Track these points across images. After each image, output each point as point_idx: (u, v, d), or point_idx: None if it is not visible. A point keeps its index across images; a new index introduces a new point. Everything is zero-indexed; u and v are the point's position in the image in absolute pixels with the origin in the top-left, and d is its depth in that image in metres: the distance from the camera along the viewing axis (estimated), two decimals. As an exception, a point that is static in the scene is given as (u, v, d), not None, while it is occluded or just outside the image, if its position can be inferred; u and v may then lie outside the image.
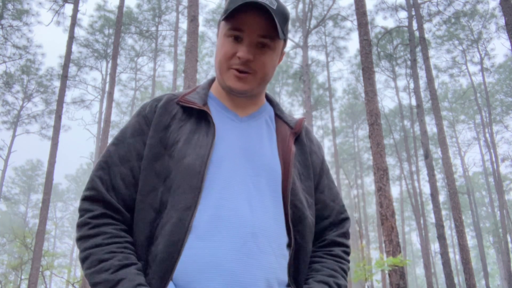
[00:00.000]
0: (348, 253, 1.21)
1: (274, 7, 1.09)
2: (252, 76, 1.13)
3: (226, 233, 0.99)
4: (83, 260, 1.00)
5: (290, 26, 1.22)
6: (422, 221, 20.99)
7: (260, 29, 1.09)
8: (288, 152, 1.15)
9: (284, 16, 1.12)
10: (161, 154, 1.09)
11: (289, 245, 1.10)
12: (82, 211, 1.06)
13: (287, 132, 1.20)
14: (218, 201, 1.03)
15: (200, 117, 1.14)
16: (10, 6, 20.29)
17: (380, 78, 27.34)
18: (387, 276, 10.56)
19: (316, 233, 1.20)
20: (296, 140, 1.22)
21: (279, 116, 1.26)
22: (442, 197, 31.55)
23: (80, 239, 1.03)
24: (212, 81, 1.27)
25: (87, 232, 1.02)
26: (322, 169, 1.27)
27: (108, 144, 1.16)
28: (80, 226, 1.04)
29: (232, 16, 1.09)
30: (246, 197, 1.05)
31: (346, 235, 1.23)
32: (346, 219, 1.25)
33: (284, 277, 1.07)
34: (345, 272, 1.16)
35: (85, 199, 1.08)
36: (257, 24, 1.09)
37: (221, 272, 0.96)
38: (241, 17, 1.08)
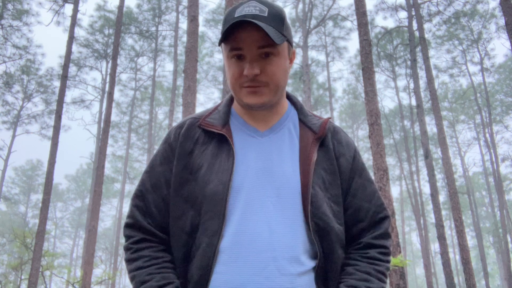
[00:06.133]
0: (386, 254, 1.18)
1: (266, 14, 1.08)
2: (265, 87, 1.13)
3: (247, 258, 1.06)
4: (130, 280, 1.14)
5: (290, 25, 1.19)
6: (422, 221, 20.99)
7: (257, 41, 1.08)
8: (308, 163, 1.14)
9: (279, 18, 1.11)
10: (187, 179, 1.15)
11: (315, 257, 1.11)
12: (125, 236, 1.19)
13: (310, 139, 1.19)
14: (239, 227, 1.08)
15: (221, 139, 1.17)
16: (10, 6, 20.29)
17: (380, 78, 27.37)
18: (387, 276, 10.52)
19: (352, 237, 1.19)
20: (321, 145, 1.19)
21: (302, 121, 1.24)
22: (442, 197, 31.55)
23: (126, 262, 1.16)
24: (233, 97, 1.28)
25: (130, 256, 1.15)
26: (353, 170, 1.23)
27: (143, 172, 1.26)
28: (125, 250, 1.18)
29: (227, 38, 1.09)
30: (265, 219, 1.09)
31: (384, 235, 1.20)
32: (384, 218, 1.22)
33: None
34: (382, 273, 1.14)
35: (126, 226, 1.20)
36: (253, 37, 1.08)
37: None
38: (236, 36, 1.09)
